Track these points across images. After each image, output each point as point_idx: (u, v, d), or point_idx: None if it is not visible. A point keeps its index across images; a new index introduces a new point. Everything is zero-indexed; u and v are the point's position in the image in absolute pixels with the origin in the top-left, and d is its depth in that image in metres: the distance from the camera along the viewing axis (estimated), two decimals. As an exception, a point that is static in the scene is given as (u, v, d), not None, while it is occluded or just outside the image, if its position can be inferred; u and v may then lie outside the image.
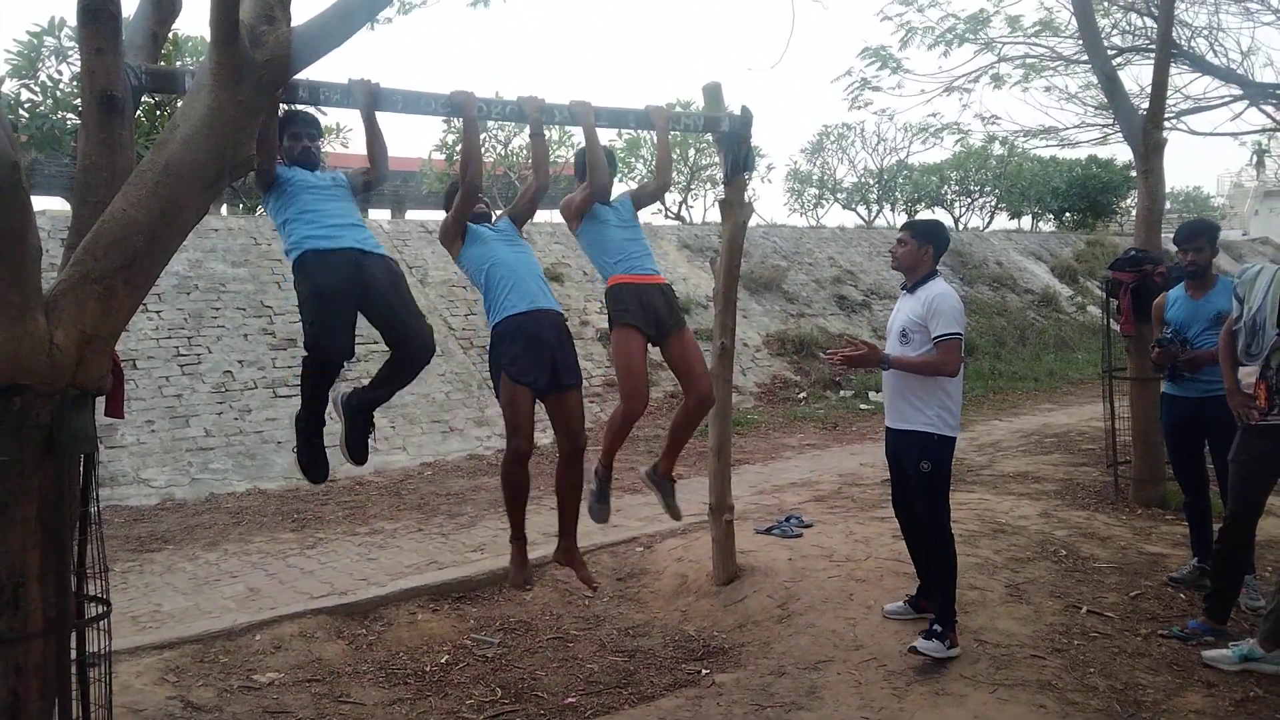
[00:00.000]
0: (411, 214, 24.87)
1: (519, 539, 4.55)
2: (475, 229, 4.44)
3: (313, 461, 4.16)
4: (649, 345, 4.64)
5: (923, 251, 4.58)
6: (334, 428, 4.17)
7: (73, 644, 2.81)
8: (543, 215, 20.59)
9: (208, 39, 2.73)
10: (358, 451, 4.21)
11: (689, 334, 4.77)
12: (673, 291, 4.84)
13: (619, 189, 4.88)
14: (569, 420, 4.43)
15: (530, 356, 4.23)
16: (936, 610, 4.49)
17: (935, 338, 4.38)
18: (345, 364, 4.16)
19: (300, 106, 4.19)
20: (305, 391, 4.13)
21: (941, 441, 4.46)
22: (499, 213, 4.66)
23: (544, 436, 10.42)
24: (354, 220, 4.12)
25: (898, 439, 4.62)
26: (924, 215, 26.14)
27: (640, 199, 5.00)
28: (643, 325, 4.56)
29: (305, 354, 4.07)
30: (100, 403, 2.88)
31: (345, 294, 3.92)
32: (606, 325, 4.82)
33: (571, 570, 4.86)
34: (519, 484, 4.43)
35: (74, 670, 2.83)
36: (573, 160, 4.91)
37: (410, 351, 4.11)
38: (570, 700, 4.46)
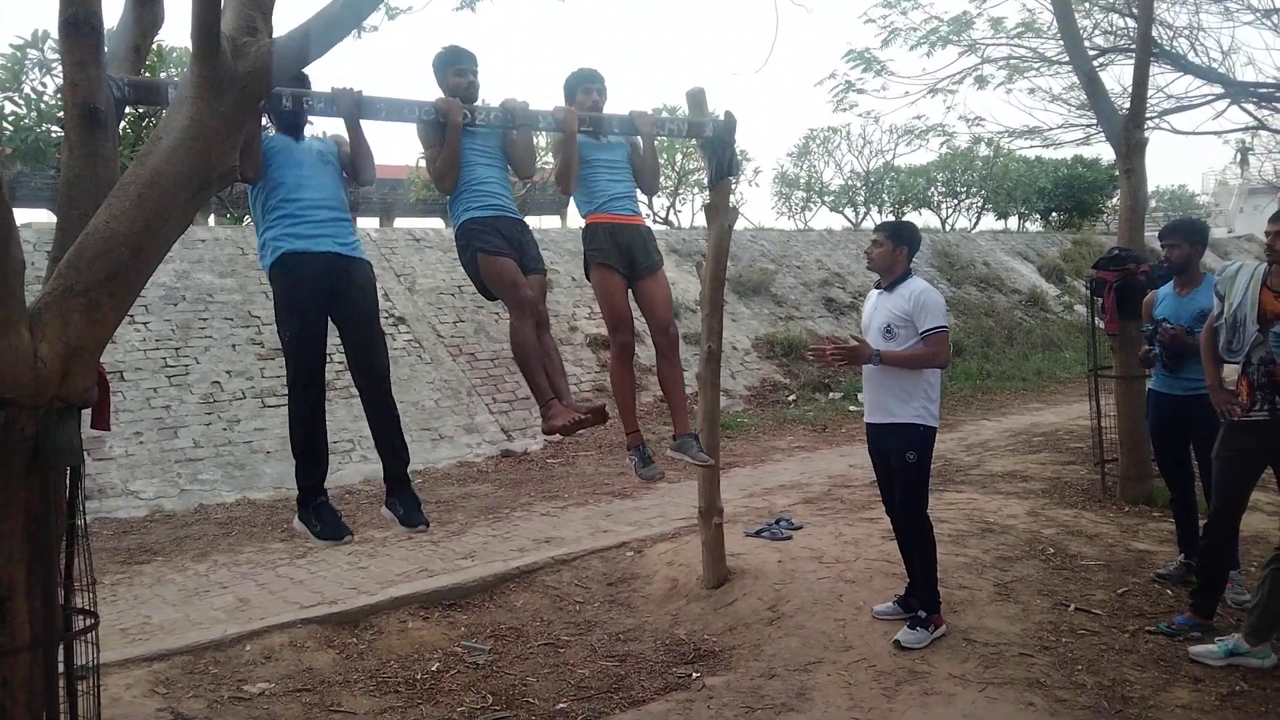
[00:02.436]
0: (400, 222, 24.84)
1: (541, 392, 4.48)
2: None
3: (327, 525, 4.15)
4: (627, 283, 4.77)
5: (897, 252, 4.68)
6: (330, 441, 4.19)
7: (61, 657, 2.81)
8: (530, 221, 20.61)
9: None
10: (413, 521, 4.33)
11: (662, 275, 4.88)
12: (651, 234, 4.92)
13: (620, 142, 4.89)
14: (534, 295, 4.51)
15: (498, 238, 4.39)
16: (919, 598, 4.63)
17: (924, 332, 4.52)
18: (324, 379, 4.19)
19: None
20: (298, 436, 4.14)
21: (926, 432, 4.59)
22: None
23: (533, 442, 10.43)
24: (336, 209, 4.10)
25: (882, 433, 4.71)
26: (909, 217, 26.25)
27: (638, 168, 4.96)
28: (617, 265, 4.69)
29: (288, 373, 4.12)
30: (86, 415, 2.89)
31: (321, 305, 4.03)
32: (583, 268, 4.90)
33: (592, 422, 4.49)
34: (530, 348, 4.45)
35: (62, 683, 2.82)
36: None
37: (369, 376, 4.25)
38: (561, 706, 4.47)
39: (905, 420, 4.58)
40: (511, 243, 4.45)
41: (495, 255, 4.38)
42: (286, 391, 4.19)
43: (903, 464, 4.61)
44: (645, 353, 9.39)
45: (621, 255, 4.71)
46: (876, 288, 4.83)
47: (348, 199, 4.26)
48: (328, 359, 4.26)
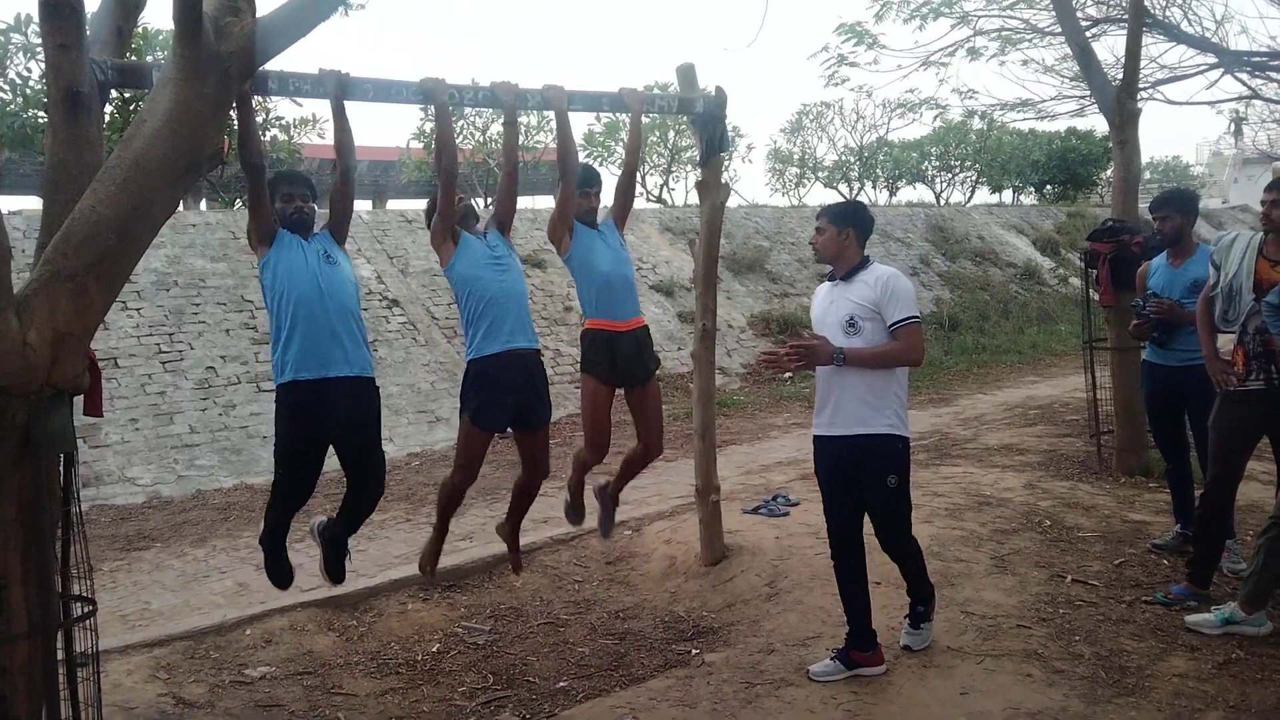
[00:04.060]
0: (392, 204, 24.75)
1: (441, 533, 4.72)
2: (467, 239, 4.41)
3: (277, 572, 4.29)
4: (617, 389, 4.81)
5: (844, 236, 4.05)
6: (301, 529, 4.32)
7: (61, 644, 2.81)
8: (524, 202, 20.57)
9: (175, 32, 2.70)
10: (336, 574, 4.41)
11: (654, 387, 4.89)
12: (648, 335, 4.88)
13: (609, 223, 4.90)
14: (534, 455, 4.62)
15: (496, 402, 4.34)
16: (917, 595, 4.22)
17: (895, 324, 3.88)
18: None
19: (291, 169, 4.18)
20: (269, 519, 4.23)
21: (903, 446, 3.99)
22: (483, 221, 4.63)
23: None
24: (348, 319, 4.09)
25: (848, 447, 3.98)
26: (904, 191, 26.21)
27: (621, 209, 5.00)
28: (610, 377, 4.70)
29: (274, 494, 4.20)
30: (79, 401, 2.87)
31: (321, 441, 4.07)
32: (579, 365, 4.95)
33: (508, 549, 5.02)
34: (453, 504, 4.65)
35: (62, 670, 2.82)
36: (554, 145, 4.93)
37: (364, 497, 4.27)
38: (562, 684, 4.49)
39: (879, 431, 3.91)
40: (512, 396, 4.36)
41: (479, 430, 4.37)
42: (269, 497, 4.26)
43: (882, 490, 3.95)
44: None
45: (616, 369, 4.70)
46: (830, 279, 4.17)
47: (358, 299, 4.26)
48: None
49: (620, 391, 4.81)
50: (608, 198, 5.04)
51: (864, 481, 4.00)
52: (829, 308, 4.08)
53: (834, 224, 4.07)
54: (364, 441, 4.19)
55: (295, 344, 3.99)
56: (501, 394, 4.33)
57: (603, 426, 4.75)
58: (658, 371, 5.00)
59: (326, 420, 4.00)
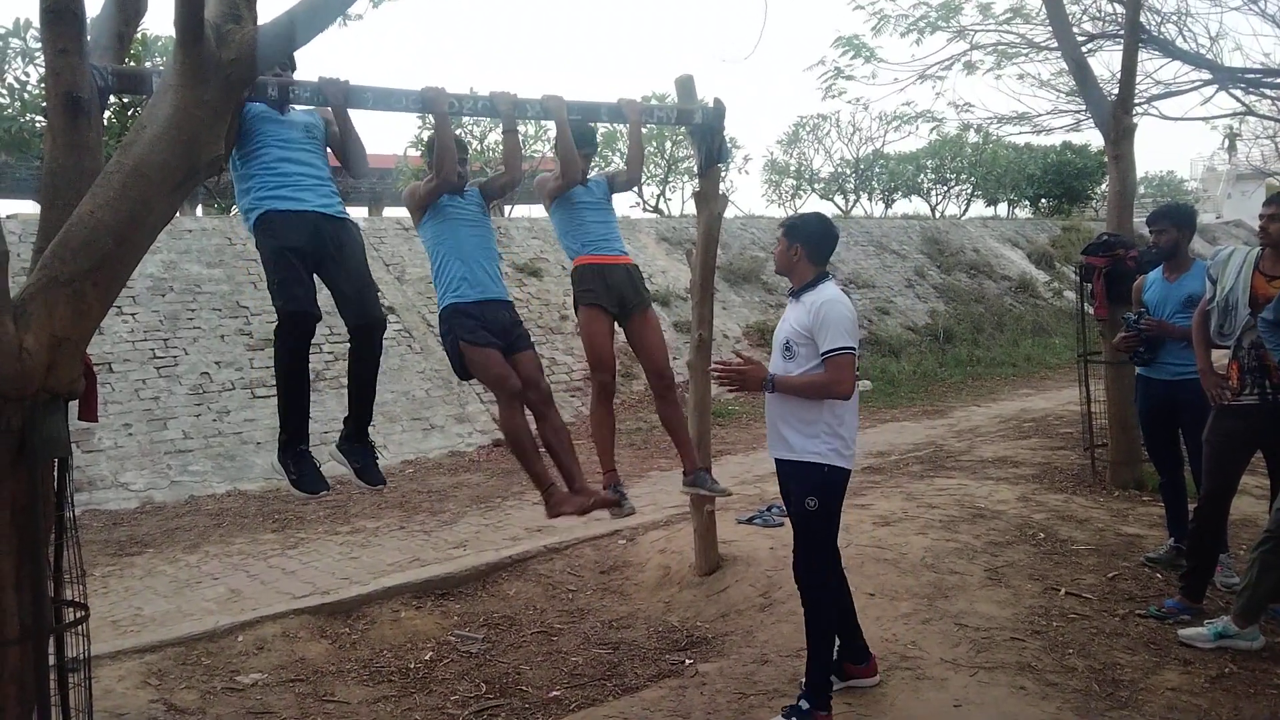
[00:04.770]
0: (388, 211, 24.75)
1: (550, 486, 4.54)
2: (439, 202, 4.47)
3: (305, 476, 4.10)
4: (615, 323, 4.87)
5: (793, 252, 3.87)
6: (319, 432, 4.19)
7: (52, 649, 2.80)
8: (520, 210, 20.58)
9: (176, 38, 2.70)
10: (374, 477, 4.31)
11: (651, 315, 4.98)
12: (639, 271, 5.01)
13: (600, 180, 5.01)
14: (531, 373, 4.55)
15: (482, 331, 4.40)
16: (805, 682, 3.84)
17: (824, 353, 3.70)
18: (313, 336, 4.10)
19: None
20: (281, 381, 4.07)
21: (831, 474, 3.78)
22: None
23: (484, 436, 10.42)
24: (320, 177, 4.06)
25: (782, 471, 3.96)
26: (899, 204, 26.23)
27: (615, 185, 5.18)
28: (606, 303, 4.78)
29: (277, 321, 4.01)
30: (74, 407, 2.86)
31: (307, 252, 3.94)
32: (573, 308, 5.02)
33: (602, 507, 4.68)
34: (525, 433, 4.51)
35: (54, 676, 2.81)
36: (551, 154, 4.99)
37: (364, 323, 4.12)
38: (555, 694, 4.47)
39: (805, 459, 3.78)
40: (496, 329, 4.43)
41: (480, 346, 4.36)
42: (274, 344, 4.08)
43: (801, 511, 3.81)
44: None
45: (611, 295, 4.80)
46: (790, 295, 4.02)
47: (331, 176, 4.21)
48: (316, 349, 4.21)
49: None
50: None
51: (791, 500, 3.93)
52: (780, 327, 3.99)
53: (786, 237, 3.93)
54: (352, 264, 4.07)
55: (263, 183, 3.93)
56: (483, 328, 4.39)
57: (605, 352, 4.82)
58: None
59: (305, 235, 3.92)
